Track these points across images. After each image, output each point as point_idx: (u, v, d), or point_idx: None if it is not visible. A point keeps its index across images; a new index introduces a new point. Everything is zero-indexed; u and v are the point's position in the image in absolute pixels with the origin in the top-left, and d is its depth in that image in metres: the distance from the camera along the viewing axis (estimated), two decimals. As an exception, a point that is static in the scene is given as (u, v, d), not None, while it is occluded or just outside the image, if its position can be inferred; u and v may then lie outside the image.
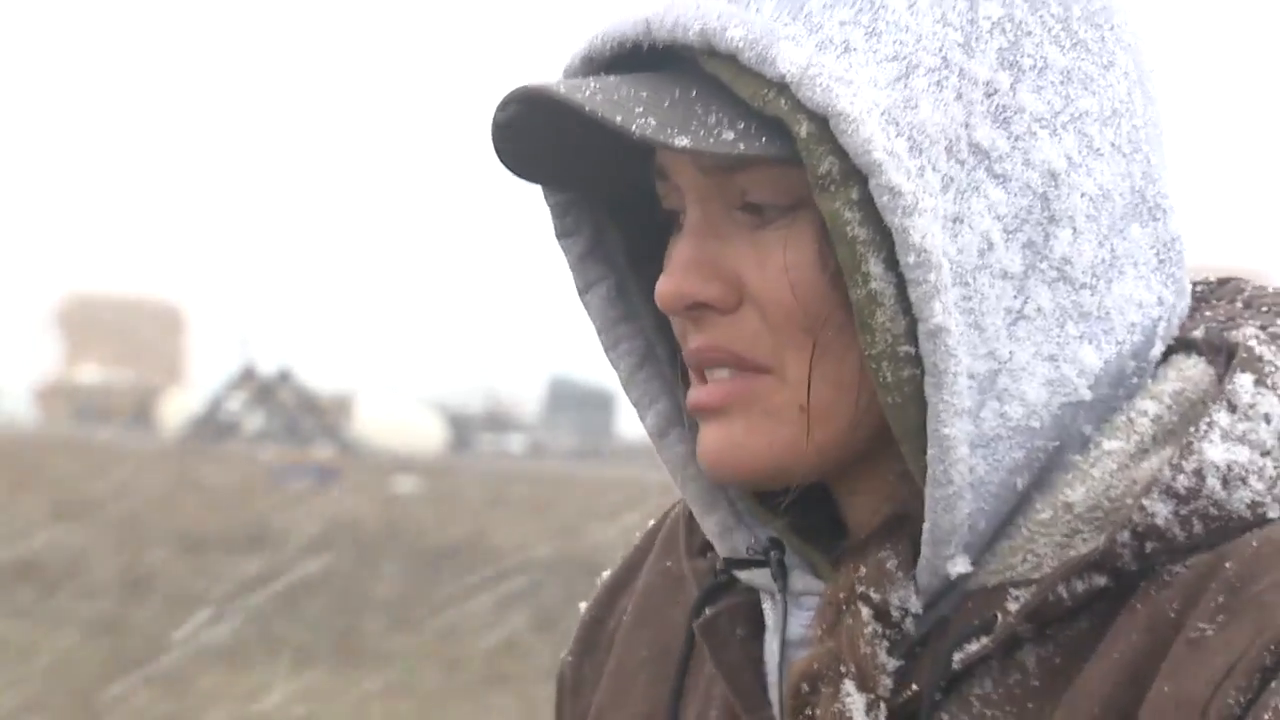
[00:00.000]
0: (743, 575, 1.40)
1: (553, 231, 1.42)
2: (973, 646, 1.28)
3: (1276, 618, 1.21)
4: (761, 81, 1.26)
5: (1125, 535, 1.26)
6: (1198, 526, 1.26)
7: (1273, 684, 1.19)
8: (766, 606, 1.39)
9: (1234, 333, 1.33)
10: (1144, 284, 1.33)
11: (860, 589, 1.31)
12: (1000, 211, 1.28)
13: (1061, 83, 1.31)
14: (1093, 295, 1.31)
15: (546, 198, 1.41)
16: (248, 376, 49.93)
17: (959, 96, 1.28)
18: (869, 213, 1.25)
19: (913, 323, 1.26)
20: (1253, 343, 1.31)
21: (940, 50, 1.28)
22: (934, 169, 1.27)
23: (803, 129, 1.25)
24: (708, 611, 1.42)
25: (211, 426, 48.60)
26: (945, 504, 1.27)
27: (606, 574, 1.59)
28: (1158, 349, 1.34)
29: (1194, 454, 1.26)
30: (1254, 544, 1.24)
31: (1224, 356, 1.33)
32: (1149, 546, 1.26)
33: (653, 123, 1.26)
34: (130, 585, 16.16)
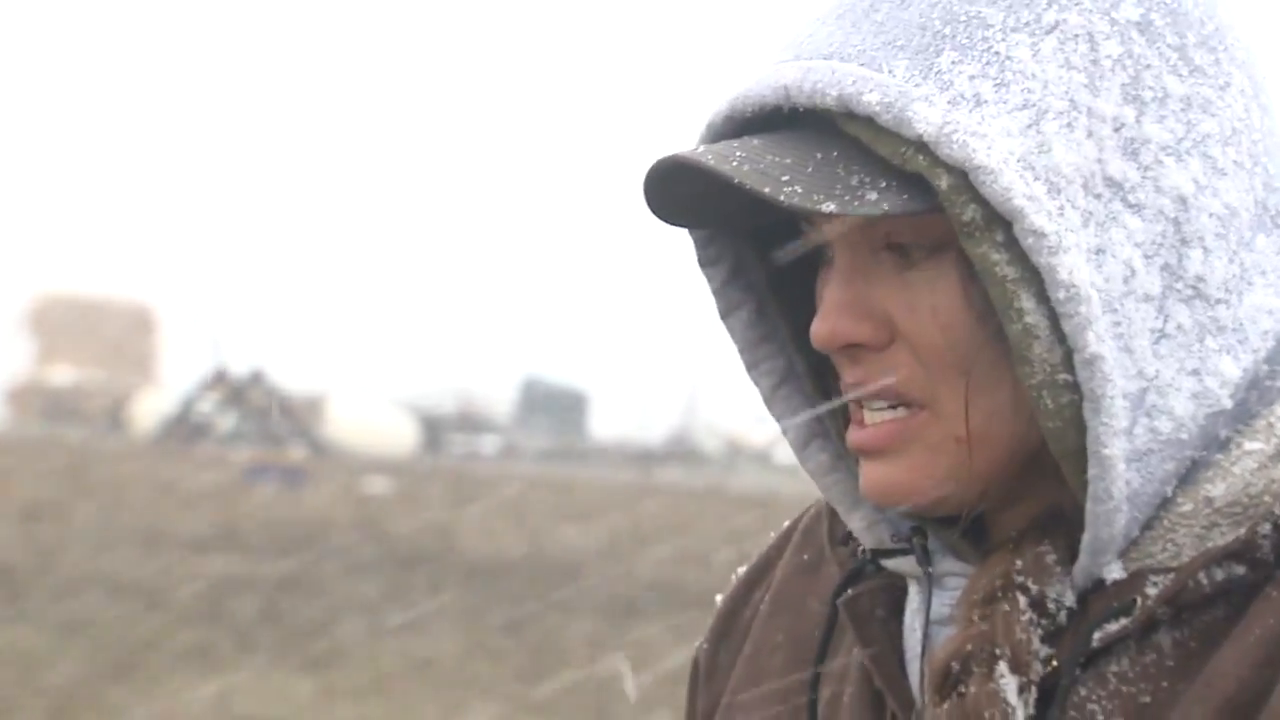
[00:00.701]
0: (889, 563, 1.48)
1: (696, 261, 1.49)
2: (1113, 627, 1.35)
3: None
4: (900, 140, 1.33)
5: (1266, 527, 1.34)
6: None
7: None
8: (912, 589, 1.47)
9: None
10: (1273, 291, 1.41)
11: (1019, 579, 1.38)
12: (1139, 239, 1.35)
13: (1183, 110, 1.37)
14: (1227, 309, 1.38)
15: (691, 230, 1.48)
16: (220, 377, 49.80)
17: (1089, 135, 1.34)
18: (1016, 252, 1.32)
19: (1068, 351, 1.33)
20: None
21: (1067, 93, 1.34)
22: (1073, 206, 1.33)
23: (943, 182, 1.32)
24: (850, 592, 1.49)
25: (184, 427, 48.45)
26: (1106, 518, 1.34)
27: (742, 569, 1.68)
28: None
29: None
30: None
31: None
32: None
33: (799, 190, 1.33)
34: (100, 586, 16.11)
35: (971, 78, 1.34)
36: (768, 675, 1.56)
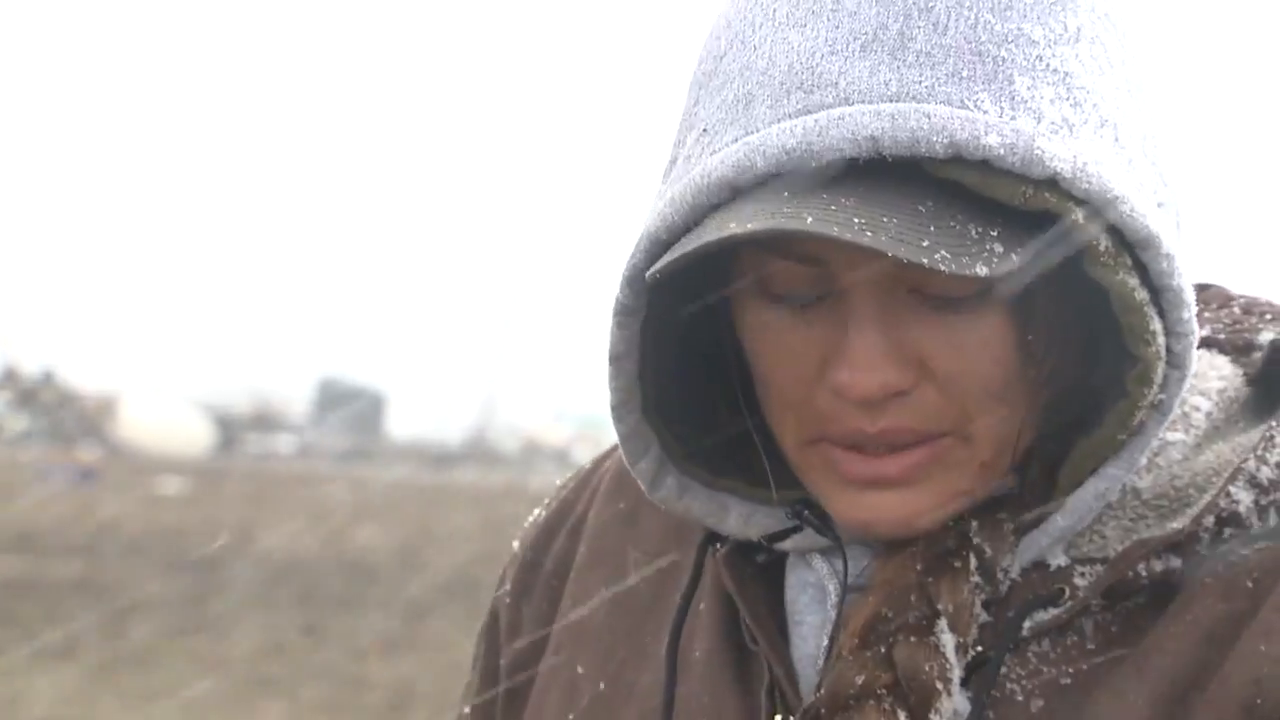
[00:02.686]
0: (788, 545, 1.43)
1: (615, 309, 1.35)
2: (1043, 616, 1.34)
3: None
4: (1021, 180, 1.25)
5: (1210, 520, 1.32)
6: (1273, 518, 1.33)
7: None
8: (799, 564, 1.43)
9: (1269, 334, 1.43)
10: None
11: (976, 540, 1.35)
12: (1179, 246, 1.32)
13: (1153, 100, 1.36)
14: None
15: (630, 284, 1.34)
16: (10, 377, 48.89)
17: (1142, 138, 1.32)
18: (1144, 277, 1.28)
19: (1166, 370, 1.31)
20: None
21: (1114, 100, 1.31)
22: (1164, 216, 1.31)
23: (1078, 216, 1.24)
24: (718, 546, 1.44)
25: (-29, 427, 47.51)
26: (1078, 515, 1.34)
27: (538, 514, 1.62)
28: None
29: (1276, 448, 1.34)
30: None
31: (1248, 357, 1.42)
32: (1226, 532, 1.32)
33: (947, 255, 1.21)
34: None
35: (1052, 101, 1.28)
36: (593, 628, 1.52)
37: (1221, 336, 1.45)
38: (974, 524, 1.35)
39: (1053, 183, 1.25)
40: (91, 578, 16.93)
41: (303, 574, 17.72)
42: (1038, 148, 1.24)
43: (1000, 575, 1.35)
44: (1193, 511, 1.34)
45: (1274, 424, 1.35)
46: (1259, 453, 1.34)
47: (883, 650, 1.33)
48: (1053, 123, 1.26)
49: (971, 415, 1.32)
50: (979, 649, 1.34)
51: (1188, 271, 1.30)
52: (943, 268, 1.20)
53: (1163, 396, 1.31)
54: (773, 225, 1.22)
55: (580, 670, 1.51)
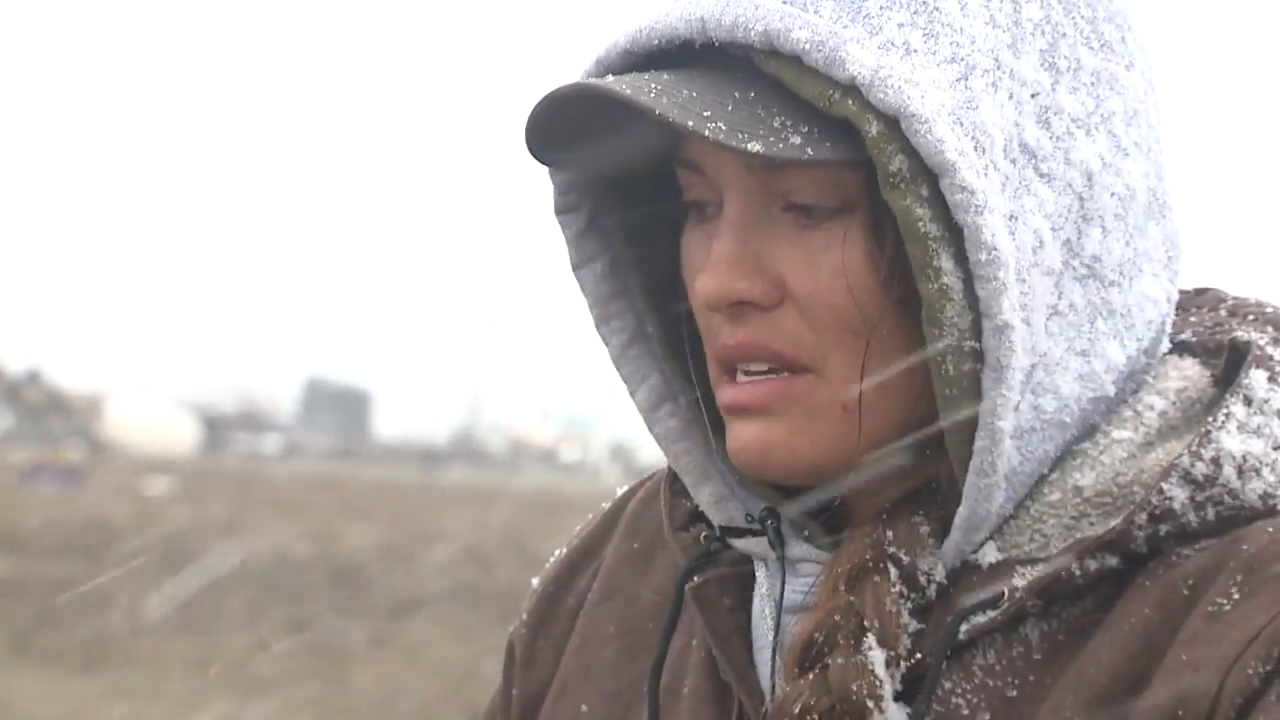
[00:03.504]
0: (738, 543, 1.42)
1: (553, 207, 1.42)
2: (980, 619, 1.31)
3: None
4: (827, 83, 1.27)
5: (1143, 517, 1.30)
6: (1210, 513, 1.30)
7: None
8: (760, 575, 1.42)
9: (1237, 334, 1.40)
10: (1157, 282, 1.38)
11: (891, 550, 1.34)
12: (1048, 210, 1.31)
13: (1093, 84, 1.34)
14: (1119, 293, 1.35)
15: (552, 175, 1.41)
16: (-6, 376, 48.80)
17: (1010, 97, 1.31)
18: (938, 209, 1.27)
19: (977, 317, 1.28)
20: (1264, 342, 1.38)
21: (992, 51, 1.31)
22: (995, 168, 1.29)
23: (873, 129, 1.26)
24: (696, 579, 1.44)
25: (-43, 427, 47.44)
26: (985, 492, 1.31)
27: (560, 551, 1.61)
28: (1165, 345, 1.40)
29: (1212, 443, 1.31)
30: (1269, 530, 1.29)
31: (1220, 359, 1.40)
32: (1163, 530, 1.30)
33: (723, 128, 1.26)
34: None
35: (901, 25, 1.29)
36: (599, 667, 1.51)
37: (1195, 339, 1.43)
38: (889, 534, 1.34)
39: (859, 92, 1.26)
40: (77, 578, 16.90)
41: (290, 573, 17.71)
42: (844, 51, 1.26)
43: (923, 580, 1.33)
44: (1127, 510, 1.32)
45: (1210, 420, 1.33)
46: (1194, 449, 1.31)
47: (817, 673, 1.33)
48: (889, 41, 1.28)
49: (829, 349, 1.32)
50: (919, 656, 1.32)
51: (1030, 231, 1.30)
52: (707, 133, 1.25)
53: (999, 353, 1.28)
54: (567, 85, 1.29)
55: (584, 709, 1.51)
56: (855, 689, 1.31)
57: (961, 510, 1.32)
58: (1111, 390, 1.35)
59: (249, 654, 13.57)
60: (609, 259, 1.43)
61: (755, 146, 1.26)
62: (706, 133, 1.25)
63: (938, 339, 1.29)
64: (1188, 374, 1.39)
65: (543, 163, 1.39)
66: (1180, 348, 1.42)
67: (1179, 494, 1.30)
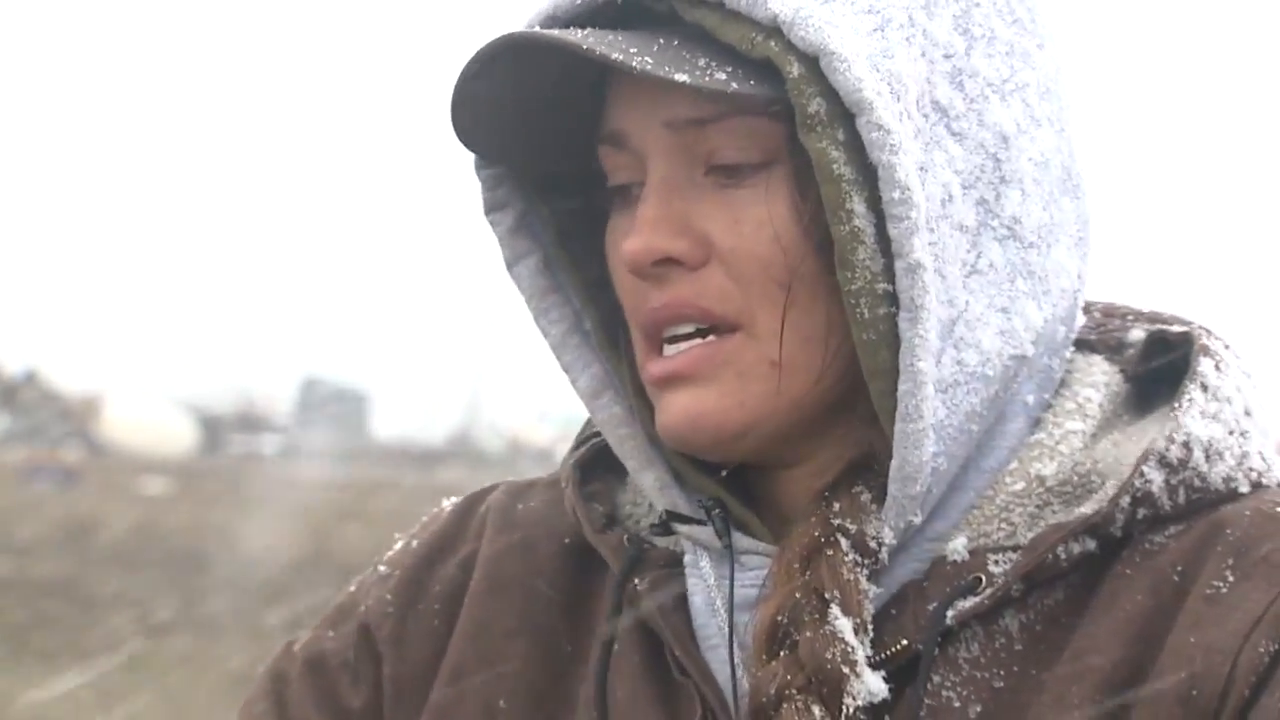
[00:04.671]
0: (684, 529, 1.44)
1: (482, 205, 1.45)
2: (965, 604, 1.35)
3: None
4: (750, 25, 1.31)
5: (1126, 500, 1.34)
6: (1182, 497, 1.35)
7: None
8: (704, 565, 1.43)
9: (1169, 327, 1.45)
10: (1070, 255, 1.42)
11: (837, 522, 1.36)
12: (958, 167, 1.34)
13: (1007, 54, 1.38)
14: (1038, 255, 1.38)
15: (479, 170, 1.44)
16: (-9, 376, 48.82)
17: (923, 54, 1.34)
18: (853, 154, 1.30)
19: (890, 262, 1.30)
20: (1200, 335, 1.42)
21: (907, 9, 1.34)
22: (909, 116, 1.31)
23: (794, 69, 1.29)
24: (636, 582, 1.45)
25: (-46, 427, 47.45)
26: (914, 439, 1.33)
27: (411, 543, 1.61)
28: (1080, 320, 1.44)
29: (1181, 428, 1.36)
30: (1246, 513, 1.34)
31: (1122, 355, 1.45)
32: (1140, 513, 1.34)
33: (649, 61, 1.29)
34: None
35: None
36: (508, 661, 1.51)
37: (1093, 338, 1.47)
38: (835, 506, 1.37)
39: (780, 34, 1.29)
40: (75, 578, 16.90)
41: (288, 573, 17.70)
42: None
43: (874, 545, 1.36)
44: (1107, 493, 1.35)
45: (1177, 405, 1.37)
46: (1167, 433, 1.35)
47: (788, 653, 1.34)
48: None
49: (755, 304, 1.34)
50: (904, 642, 1.35)
51: (939, 184, 1.32)
52: (635, 64, 1.28)
53: (912, 293, 1.30)
54: (492, 40, 1.31)
55: (502, 704, 1.50)
56: (829, 657, 1.33)
57: (894, 461, 1.34)
58: (1031, 350, 1.38)
59: (247, 653, 13.57)
60: (542, 256, 1.45)
61: (682, 77, 1.29)
62: (635, 64, 1.28)
63: (850, 281, 1.31)
64: (1104, 369, 1.44)
65: (468, 147, 1.41)
66: (1082, 345, 1.46)
67: (1157, 477, 1.34)
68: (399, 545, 1.63)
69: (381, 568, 1.62)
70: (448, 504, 1.65)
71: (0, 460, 35.24)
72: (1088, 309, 1.50)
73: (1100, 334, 1.48)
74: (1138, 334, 1.47)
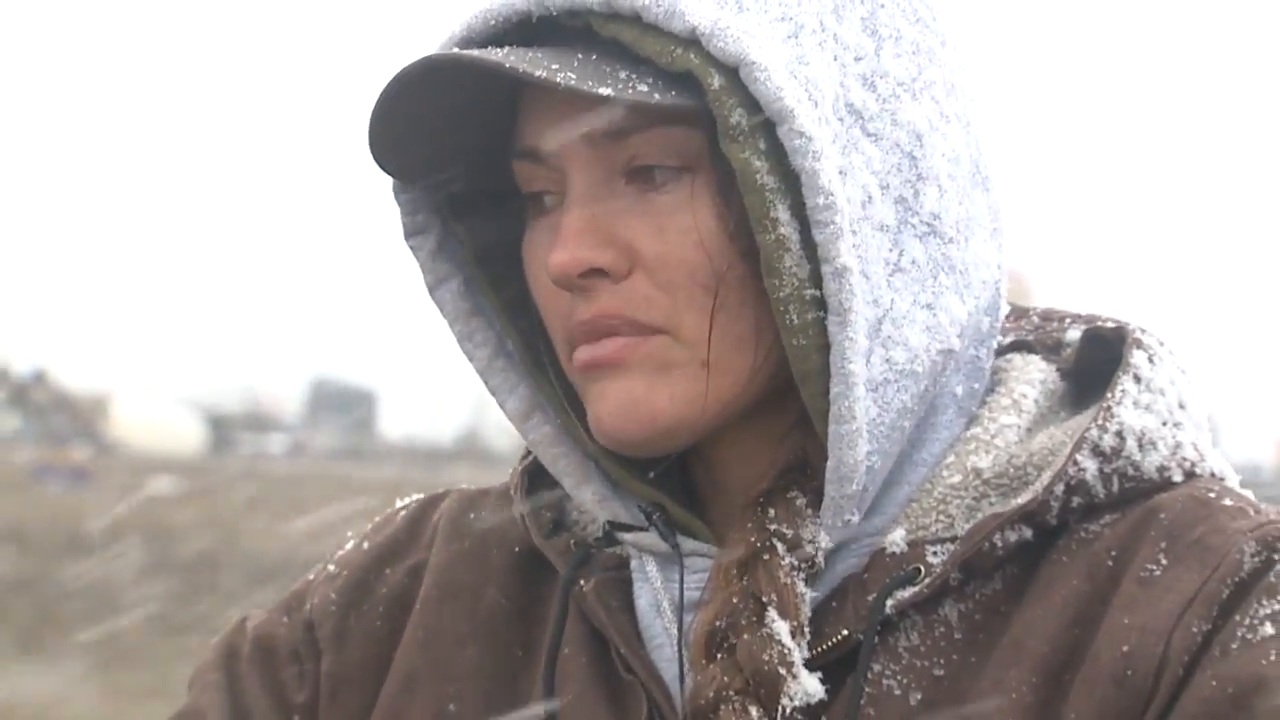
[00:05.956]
0: (628, 537, 1.45)
1: (402, 230, 1.45)
2: (905, 593, 1.36)
3: (1225, 557, 1.31)
4: (668, 38, 1.31)
5: (1060, 488, 1.36)
6: (1116, 485, 1.36)
7: (1236, 616, 1.30)
8: (650, 569, 1.44)
9: (1100, 324, 1.47)
10: (987, 247, 1.43)
11: (773, 527, 1.37)
12: (875, 168, 1.35)
13: (913, 53, 1.40)
14: (958, 249, 1.40)
15: (397, 195, 1.44)
16: (1, 376, 48.87)
17: (835, 58, 1.35)
18: (775, 162, 1.30)
19: (816, 268, 1.31)
20: (1134, 330, 1.44)
21: (817, 14, 1.35)
22: (826, 122, 1.32)
23: (714, 80, 1.30)
24: (583, 584, 1.46)
25: (-37, 427, 47.46)
26: (848, 440, 1.33)
27: (362, 544, 1.62)
28: (1004, 309, 1.46)
29: (1114, 417, 1.37)
30: (1179, 500, 1.36)
31: (1059, 354, 1.47)
32: (1074, 501, 1.36)
33: (573, 77, 1.29)
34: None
35: None
36: (459, 667, 1.52)
37: (1031, 339, 1.49)
38: (771, 512, 1.38)
39: (699, 45, 1.30)
40: (84, 577, 16.92)
41: (295, 573, 17.69)
42: (681, 4, 1.30)
43: (810, 549, 1.37)
44: (1042, 482, 1.37)
45: (1109, 396, 1.39)
46: (1099, 422, 1.37)
47: (726, 656, 1.36)
48: (723, 0, 1.32)
49: (682, 309, 1.35)
50: (845, 632, 1.36)
51: (858, 186, 1.33)
52: (559, 80, 1.28)
53: (840, 296, 1.31)
54: (412, 62, 1.31)
55: (452, 708, 1.51)
56: (766, 659, 1.34)
57: (830, 463, 1.34)
58: (957, 344, 1.39)
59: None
60: (462, 279, 1.46)
61: (606, 90, 1.29)
62: (559, 80, 1.28)
63: (778, 289, 1.31)
64: (1041, 367, 1.46)
65: (386, 171, 1.41)
66: (1019, 346, 1.49)
67: (1090, 466, 1.36)
68: (350, 545, 1.63)
69: (331, 567, 1.62)
70: (401, 505, 1.65)
71: (9, 460, 35.27)
72: (1027, 313, 1.53)
73: (1038, 335, 1.50)
74: (1074, 334, 1.49)
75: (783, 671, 1.34)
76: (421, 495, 1.65)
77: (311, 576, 1.64)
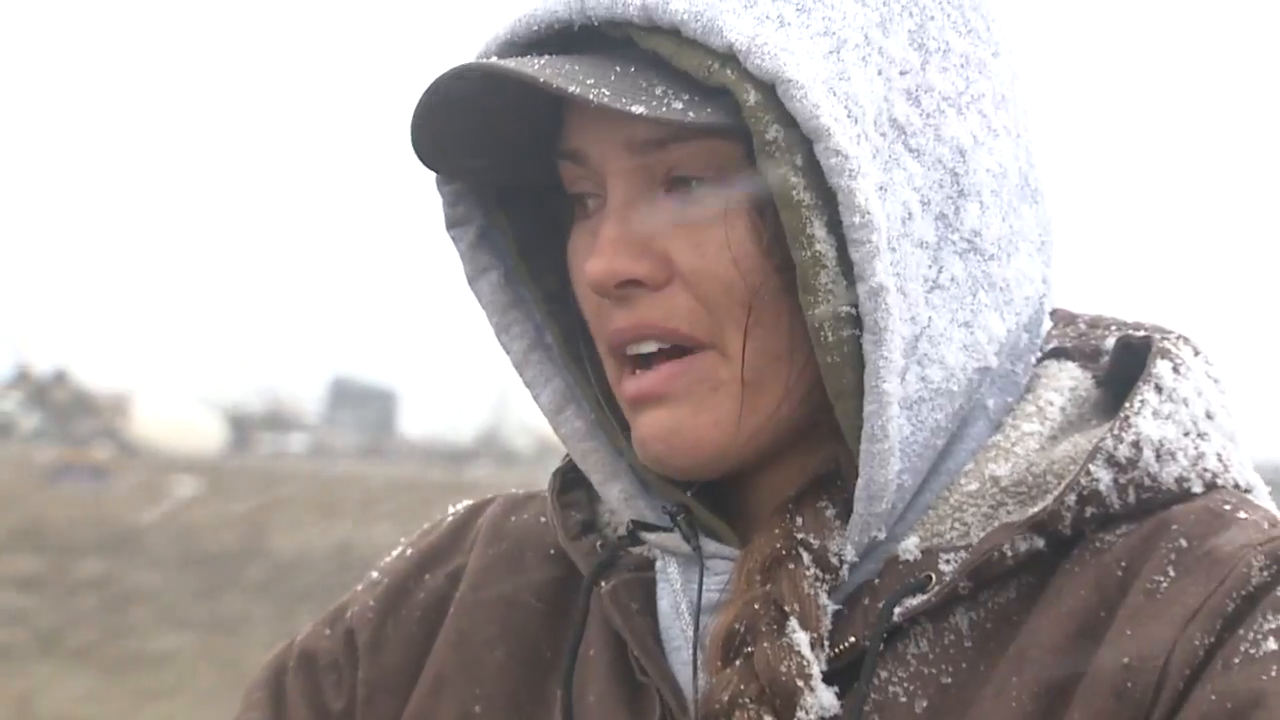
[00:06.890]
0: (651, 538, 1.45)
1: (444, 221, 1.45)
2: (913, 601, 1.35)
3: (1233, 570, 1.30)
4: (706, 53, 1.30)
5: (1072, 498, 1.34)
6: (1131, 496, 1.35)
7: (1240, 630, 1.29)
8: (672, 570, 1.44)
9: (1129, 333, 1.46)
10: (1033, 261, 1.42)
11: (800, 536, 1.36)
12: (917, 184, 1.35)
13: (961, 66, 1.39)
14: (999, 266, 1.39)
15: (440, 187, 1.45)
16: (22, 376, 49.00)
17: (880, 72, 1.34)
18: (812, 178, 1.30)
19: (852, 284, 1.31)
20: (1162, 339, 1.42)
21: (862, 28, 1.34)
22: (866, 139, 1.32)
23: (750, 97, 1.29)
24: (604, 585, 1.46)
25: (-15, 426, 47.58)
26: (880, 459, 1.33)
27: (406, 550, 1.63)
28: (1046, 324, 1.45)
29: (1131, 427, 1.36)
30: (1193, 513, 1.34)
31: (1097, 363, 1.46)
32: (1088, 511, 1.35)
33: (607, 93, 1.29)
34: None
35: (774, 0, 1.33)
36: (487, 668, 1.52)
37: (1070, 345, 1.48)
38: (798, 521, 1.37)
39: (736, 61, 1.29)
40: (104, 577, 16.96)
41: (315, 572, 17.74)
42: (721, 20, 1.30)
43: (835, 561, 1.36)
44: (1055, 492, 1.35)
45: (1128, 406, 1.37)
46: (1115, 432, 1.35)
47: (743, 662, 1.35)
48: (764, 14, 1.32)
49: (723, 324, 1.34)
50: (851, 640, 1.35)
51: (899, 202, 1.33)
52: (591, 97, 1.28)
53: (875, 315, 1.31)
54: (450, 69, 1.32)
55: (478, 710, 1.51)
56: (784, 670, 1.34)
57: (860, 480, 1.34)
58: (994, 362, 1.38)
59: (276, 652, 13.60)
60: (504, 271, 1.46)
61: (639, 109, 1.29)
62: (591, 97, 1.29)
63: (813, 306, 1.31)
64: (1074, 375, 1.45)
65: (430, 167, 1.42)
66: (1058, 354, 1.47)
67: (1104, 476, 1.35)
68: (396, 552, 1.65)
69: (374, 574, 1.63)
70: (451, 511, 1.65)
71: (31, 459, 35.36)
72: (1075, 320, 1.51)
73: (1078, 343, 1.48)
74: (1112, 341, 1.48)
75: (800, 684, 1.34)
76: (470, 501, 1.65)
77: (360, 586, 1.65)
